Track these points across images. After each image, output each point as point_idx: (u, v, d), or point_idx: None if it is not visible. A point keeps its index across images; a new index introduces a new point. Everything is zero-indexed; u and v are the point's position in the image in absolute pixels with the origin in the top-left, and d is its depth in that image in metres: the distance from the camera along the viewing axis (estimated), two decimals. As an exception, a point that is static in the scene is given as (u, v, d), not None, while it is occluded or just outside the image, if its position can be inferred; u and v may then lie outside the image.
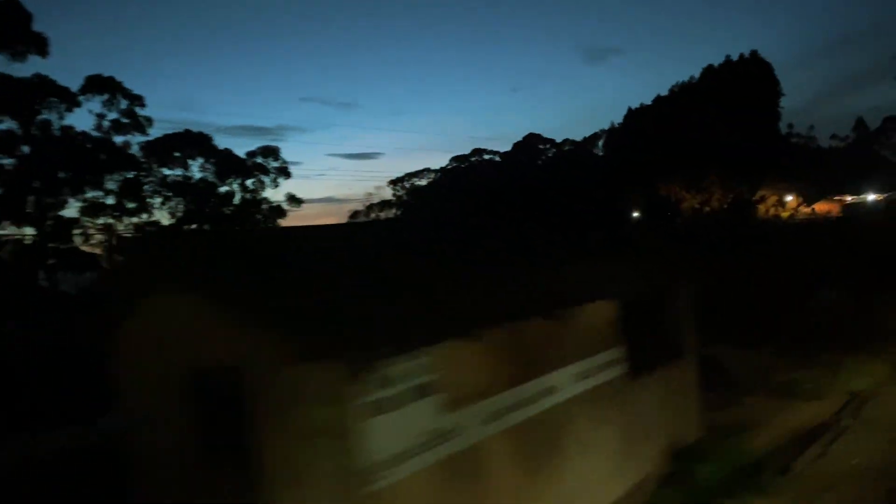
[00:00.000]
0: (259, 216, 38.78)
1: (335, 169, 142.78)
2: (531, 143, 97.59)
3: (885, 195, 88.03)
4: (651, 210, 72.76)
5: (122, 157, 31.97)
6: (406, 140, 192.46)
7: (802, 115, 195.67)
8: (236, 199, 38.39)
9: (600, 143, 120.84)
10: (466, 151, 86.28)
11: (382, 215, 66.24)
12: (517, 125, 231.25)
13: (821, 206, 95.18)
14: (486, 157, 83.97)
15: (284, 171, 39.12)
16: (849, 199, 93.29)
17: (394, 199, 73.28)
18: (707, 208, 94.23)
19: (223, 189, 37.72)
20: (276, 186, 39.15)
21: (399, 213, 75.11)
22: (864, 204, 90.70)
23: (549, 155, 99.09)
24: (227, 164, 37.88)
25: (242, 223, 36.20)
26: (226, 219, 36.28)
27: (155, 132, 35.61)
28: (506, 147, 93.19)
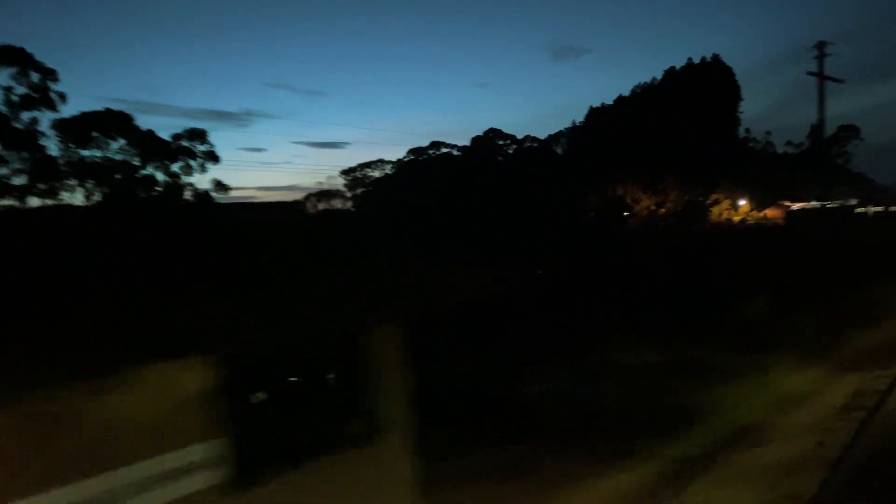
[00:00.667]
0: (186, 201, 36.92)
1: (301, 157, 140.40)
2: (491, 139, 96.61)
3: (820, 204, 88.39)
4: (606, 210, 72.19)
5: (24, 135, 29.91)
6: (373, 131, 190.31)
7: (762, 122, 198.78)
8: (159, 183, 36.47)
9: (563, 141, 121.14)
10: (427, 144, 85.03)
11: (324, 206, 64.62)
12: (484, 121, 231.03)
13: (772, 212, 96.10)
14: (444, 150, 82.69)
15: (212, 156, 37.30)
16: (795, 205, 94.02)
17: (346, 189, 71.72)
18: (662, 210, 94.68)
19: (145, 172, 35.80)
20: (204, 171, 37.36)
21: (352, 204, 73.52)
22: (806, 211, 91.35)
23: (510, 151, 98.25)
24: (151, 147, 35.94)
25: (164, 208, 34.29)
26: (146, 203, 34.37)
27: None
28: (467, 141, 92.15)
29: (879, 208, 75.32)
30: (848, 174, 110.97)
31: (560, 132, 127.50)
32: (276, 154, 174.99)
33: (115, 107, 37.93)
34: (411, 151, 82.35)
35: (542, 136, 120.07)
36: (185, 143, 37.11)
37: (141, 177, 35.11)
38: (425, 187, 68.63)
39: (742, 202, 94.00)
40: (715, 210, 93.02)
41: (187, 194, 36.07)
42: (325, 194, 66.70)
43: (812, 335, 15.21)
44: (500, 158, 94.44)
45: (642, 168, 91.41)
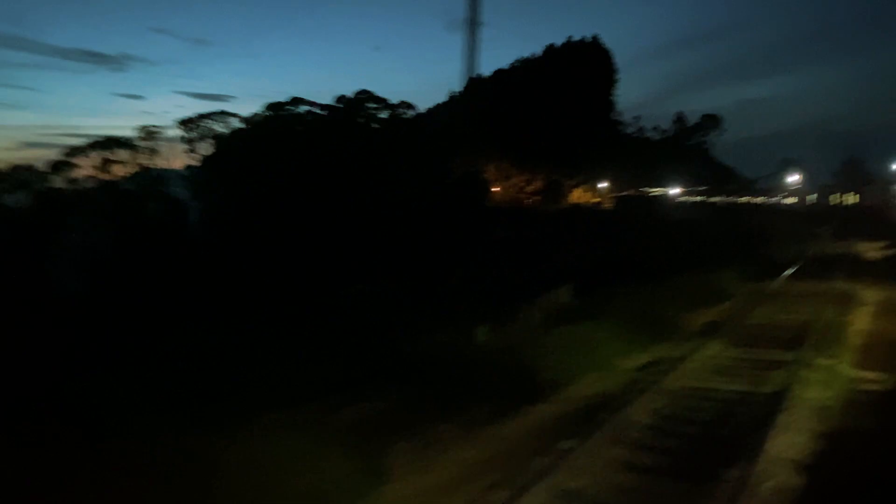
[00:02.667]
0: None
1: (183, 107, 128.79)
2: (360, 101, 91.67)
3: (635, 191, 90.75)
4: (465, 186, 69.54)
5: None
6: (261, 86, 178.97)
7: (640, 110, 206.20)
8: None
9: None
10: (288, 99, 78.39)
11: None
12: (377, 85, 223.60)
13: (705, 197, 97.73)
14: (306, 108, 76.70)
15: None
16: (653, 191, 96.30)
17: (185, 143, 64.22)
18: (530, 188, 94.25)
19: None
20: None
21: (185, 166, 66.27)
22: (642, 196, 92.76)
23: (381, 116, 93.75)
24: None
25: None
26: None
27: None
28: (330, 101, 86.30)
29: (724, 198, 77.83)
30: (715, 165, 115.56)
31: (444, 102, 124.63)
32: (155, 103, 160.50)
33: None
34: (269, 107, 75.91)
35: (431, 105, 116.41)
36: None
37: None
38: (280, 152, 62.78)
39: (604, 185, 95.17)
40: (577, 192, 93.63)
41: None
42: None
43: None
44: (373, 125, 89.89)
45: (514, 144, 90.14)
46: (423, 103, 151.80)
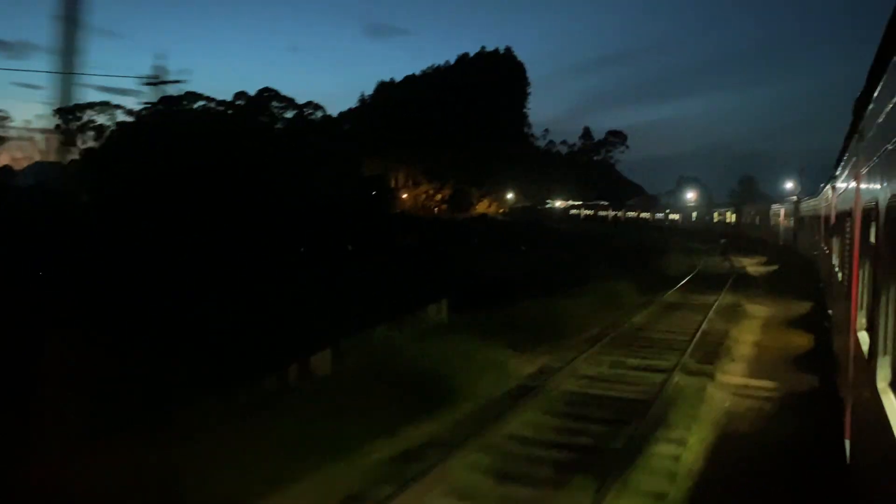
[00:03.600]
0: None
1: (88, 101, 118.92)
2: (265, 99, 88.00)
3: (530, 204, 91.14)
4: (366, 191, 67.37)
5: None
6: (171, 82, 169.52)
7: (554, 126, 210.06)
8: None
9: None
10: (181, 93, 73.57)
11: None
12: (294, 86, 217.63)
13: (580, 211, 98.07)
14: (202, 104, 72.27)
15: None
16: (557, 203, 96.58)
17: (63, 134, 58.21)
18: (439, 196, 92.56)
19: None
20: None
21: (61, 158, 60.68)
22: (542, 209, 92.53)
23: (286, 116, 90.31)
24: None
25: None
26: None
27: None
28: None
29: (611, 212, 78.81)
30: (622, 180, 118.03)
31: (353, 108, 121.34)
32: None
33: None
34: (162, 101, 70.91)
35: (345, 110, 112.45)
36: None
37: None
38: (170, 148, 58.10)
39: (510, 195, 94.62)
40: (486, 201, 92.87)
41: None
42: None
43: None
44: (277, 125, 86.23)
45: (424, 151, 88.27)
46: (341, 107, 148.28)
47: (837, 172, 9.42)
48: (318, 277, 23.50)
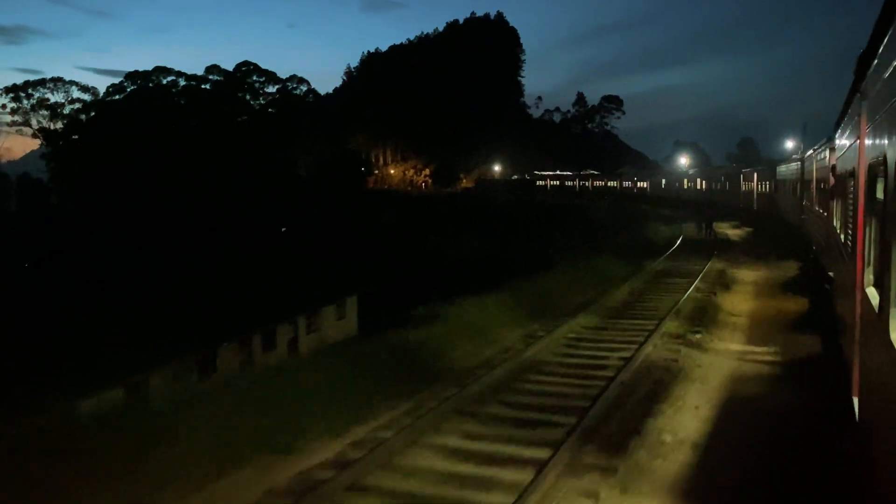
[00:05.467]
0: None
1: (85, 83, 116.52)
2: (243, 74, 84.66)
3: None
4: (348, 169, 64.55)
5: None
6: (171, 61, 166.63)
7: (555, 97, 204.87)
8: None
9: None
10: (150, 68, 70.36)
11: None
12: (292, 63, 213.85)
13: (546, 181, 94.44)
14: (171, 78, 69.16)
15: None
16: (545, 173, 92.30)
17: (11, 114, 54.69)
18: (427, 170, 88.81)
19: None
20: None
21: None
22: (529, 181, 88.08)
23: (268, 91, 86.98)
24: None
25: None
26: None
27: None
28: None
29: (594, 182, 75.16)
30: (623, 148, 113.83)
31: (344, 83, 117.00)
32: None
33: None
34: (130, 76, 67.88)
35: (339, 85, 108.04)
36: None
37: None
38: (142, 133, 54.86)
39: (497, 168, 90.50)
40: (473, 176, 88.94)
41: None
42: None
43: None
44: (257, 101, 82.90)
45: (412, 124, 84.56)
46: (334, 84, 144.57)
47: (837, 134, 9.41)
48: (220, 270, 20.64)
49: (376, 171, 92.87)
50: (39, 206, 49.81)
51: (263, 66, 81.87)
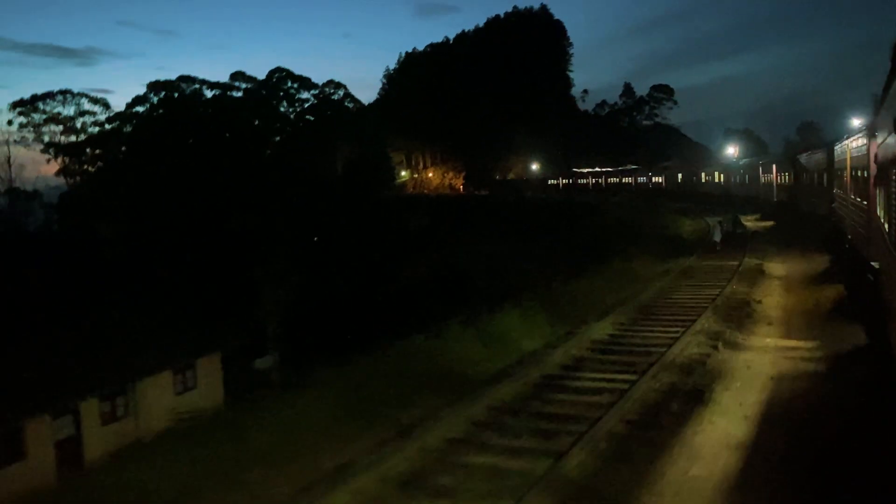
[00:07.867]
0: None
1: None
2: (277, 81, 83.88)
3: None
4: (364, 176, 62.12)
5: None
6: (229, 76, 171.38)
7: (611, 92, 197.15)
8: None
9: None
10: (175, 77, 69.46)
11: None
12: (344, 72, 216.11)
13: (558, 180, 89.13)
14: (195, 87, 68.54)
15: None
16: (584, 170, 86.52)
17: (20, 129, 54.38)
18: (463, 173, 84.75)
19: None
20: None
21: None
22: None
23: (304, 97, 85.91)
24: None
25: None
26: None
27: None
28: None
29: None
30: (686, 141, 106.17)
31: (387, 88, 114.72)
32: (124, 97, 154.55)
33: None
34: (151, 86, 66.99)
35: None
36: None
37: None
38: (166, 146, 53.28)
39: (534, 167, 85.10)
40: (510, 175, 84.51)
41: None
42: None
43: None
44: (292, 110, 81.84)
45: (450, 126, 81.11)
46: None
47: (878, 121, 9.35)
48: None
49: (415, 176, 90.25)
50: (85, 228, 47.28)
51: (321, 75, 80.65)
